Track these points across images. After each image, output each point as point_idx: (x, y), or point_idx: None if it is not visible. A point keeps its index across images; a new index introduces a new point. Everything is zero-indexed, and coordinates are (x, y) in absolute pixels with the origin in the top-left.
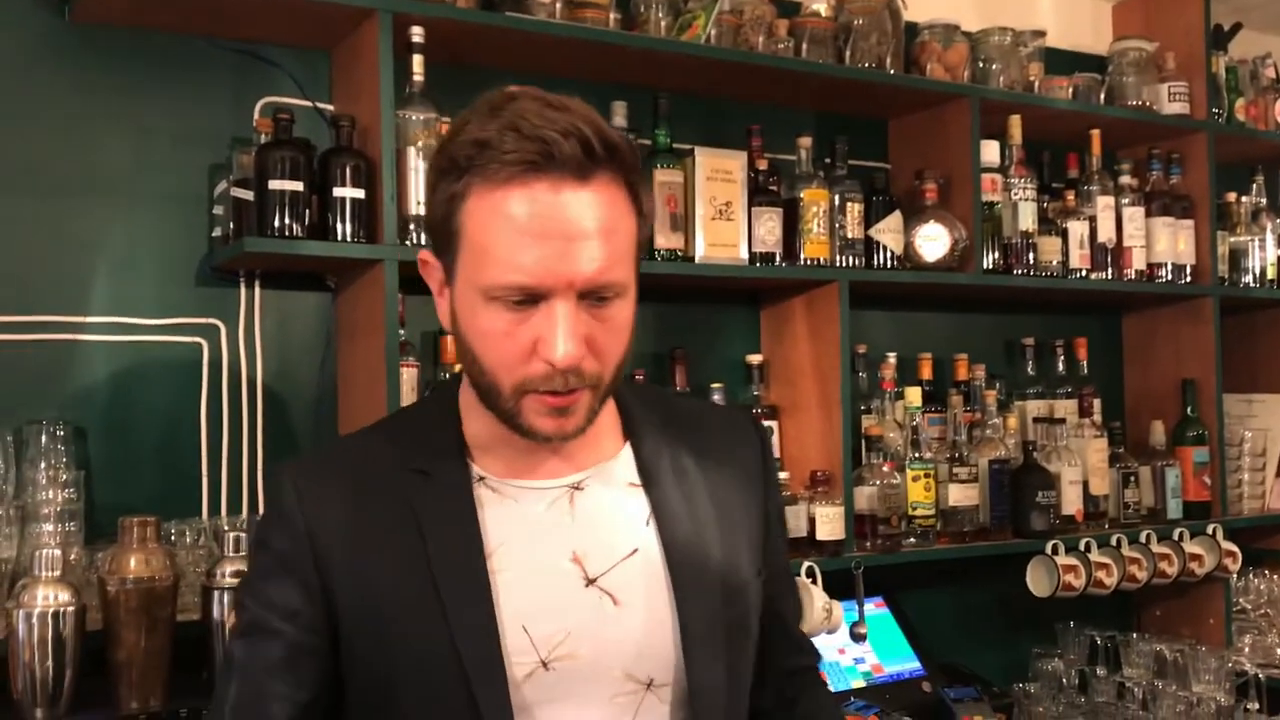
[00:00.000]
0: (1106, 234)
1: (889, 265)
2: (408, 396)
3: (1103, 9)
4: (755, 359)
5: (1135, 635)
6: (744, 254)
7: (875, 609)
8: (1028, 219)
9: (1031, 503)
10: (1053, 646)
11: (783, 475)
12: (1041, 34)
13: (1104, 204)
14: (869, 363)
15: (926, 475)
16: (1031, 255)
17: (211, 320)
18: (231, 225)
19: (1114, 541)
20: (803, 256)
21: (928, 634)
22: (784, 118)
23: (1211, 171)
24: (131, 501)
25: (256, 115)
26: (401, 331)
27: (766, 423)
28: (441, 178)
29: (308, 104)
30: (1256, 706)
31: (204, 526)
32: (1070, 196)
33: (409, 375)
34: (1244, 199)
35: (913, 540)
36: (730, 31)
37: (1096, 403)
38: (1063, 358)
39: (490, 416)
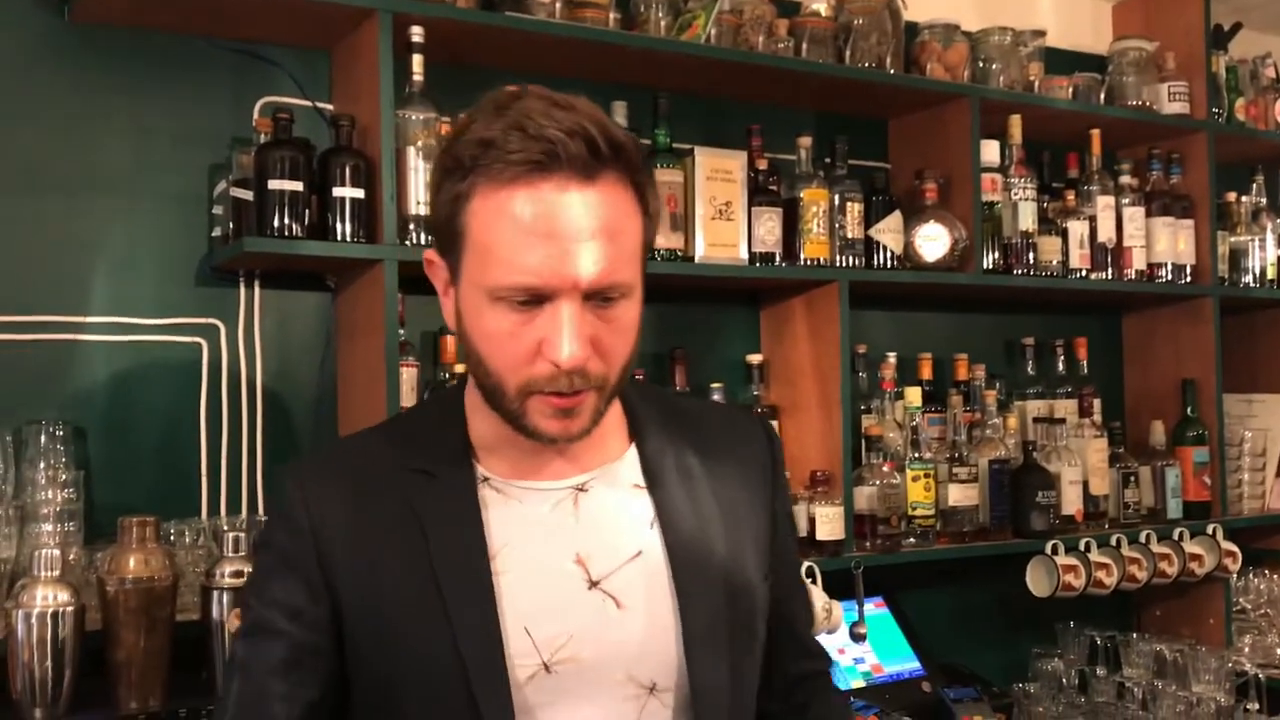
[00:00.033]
0: (1106, 234)
1: (889, 265)
2: (407, 396)
3: (1103, 9)
4: (755, 359)
5: (1135, 635)
6: (744, 254)
7: (875, 609)
8: (1028, 219)
9: (1031, 503)
10: (1053, 646)
11: None
12: (1041, 34)
13: (1104, 204)
14: (869, 363)
15: (926, 475)
16: (1031, 255)
17: (211, 320)
18: (231, 225)
19: (1114, 541)
20: (803, 256)
21: (927, 634)
22: (784, 117)
23: (1211, 171)
24: (131, 501)
25: (256, 115)
26: (401, 331)
27: None
28: (446, 177)
29: (307, 104)
30: (1256, 706)
31: (203, 526)
32: (1070, 196)
33: (409, 375)
34: (1244, 199)
35: (912, 540)
36: (730, 31)
37: (1096, 403)
38: (1063, 358)
39: (495, 417)
